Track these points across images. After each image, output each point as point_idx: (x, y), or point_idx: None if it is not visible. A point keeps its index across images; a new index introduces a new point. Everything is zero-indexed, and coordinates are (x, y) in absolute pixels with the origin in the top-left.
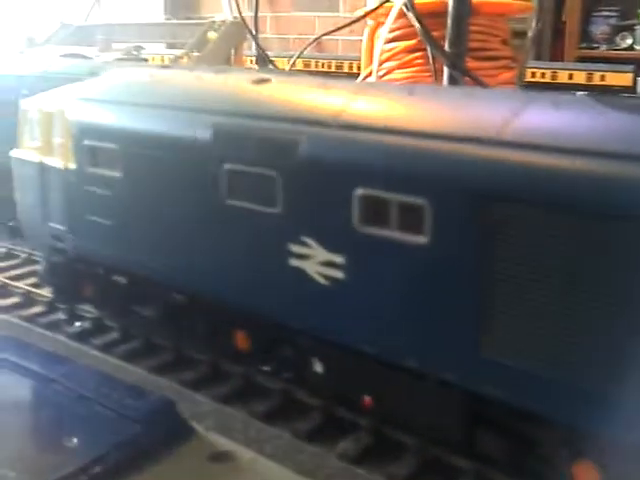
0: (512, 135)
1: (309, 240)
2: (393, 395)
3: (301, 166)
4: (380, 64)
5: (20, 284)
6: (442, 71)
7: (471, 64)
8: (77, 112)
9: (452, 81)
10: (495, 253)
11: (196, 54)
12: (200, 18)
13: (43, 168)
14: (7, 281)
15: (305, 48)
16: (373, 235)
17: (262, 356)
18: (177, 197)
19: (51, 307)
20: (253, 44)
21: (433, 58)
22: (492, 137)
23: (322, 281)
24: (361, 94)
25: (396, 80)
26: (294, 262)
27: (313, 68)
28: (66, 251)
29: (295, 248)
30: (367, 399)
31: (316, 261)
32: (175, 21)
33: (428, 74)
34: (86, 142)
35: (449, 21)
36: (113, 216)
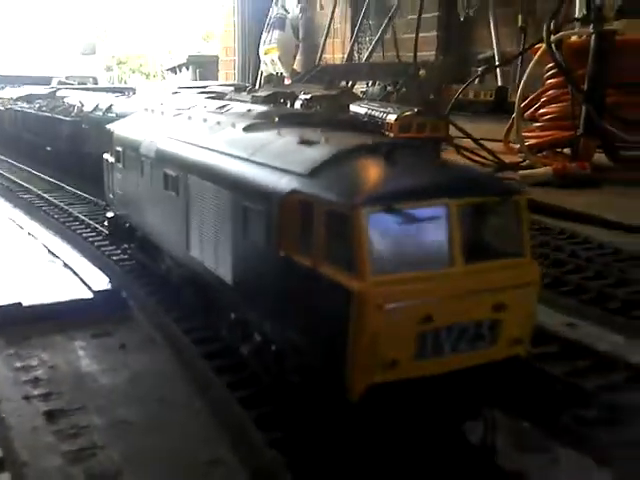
0: None
1: None
2: None
3: None
4: (537, 97)
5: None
6: None
7: (616, 98)
8: (118, 133)
9: (588, 116)
10: None
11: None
12: (474, 53)
13: (108, 162)
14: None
15: (468, 83)
16: None
17: None
18: None
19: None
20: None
21: (572, 95)
22: None
23: None
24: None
25: (548, 113)
26: None
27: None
28: (114, 211)
29: None
30: None
31: None
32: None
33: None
34: (117, 148)
35: (589, 58)
36: (125, 191)
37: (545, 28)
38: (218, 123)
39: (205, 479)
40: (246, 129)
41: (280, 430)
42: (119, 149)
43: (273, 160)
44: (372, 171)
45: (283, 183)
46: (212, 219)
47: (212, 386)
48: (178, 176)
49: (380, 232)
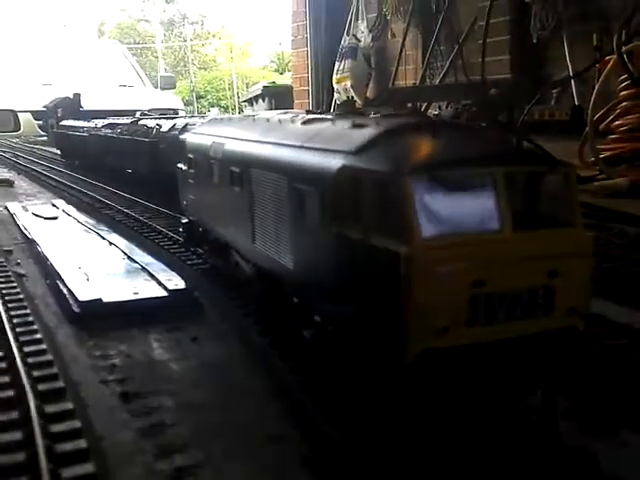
0: None
1: None
2: None
3: None
4: (612, 108)
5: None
6: None
7: None
8: (190, 141)
9: None
10: None
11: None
12: (549, 74)
13: (181, 171)
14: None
15: (534, 102)
16: None
17: None
18: None
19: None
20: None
21: None
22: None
23: None
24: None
25: (623, 125)
26: None
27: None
28: (187, 217)
29: None
30: None
31: None
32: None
33: None
34: (189, 155)
35: None
36: (197, 195)
37: (616, 38)
38: (279, 121)
39: (265, 452)
40: (304, 122)
41: (338, 410)
42: (190, 156)
43: (326, 144)
44: (418, 144)
45: (333, 162)
46: (272, 207)
47: (277, 372)
48: (241, 171)
49: (427, 199)
